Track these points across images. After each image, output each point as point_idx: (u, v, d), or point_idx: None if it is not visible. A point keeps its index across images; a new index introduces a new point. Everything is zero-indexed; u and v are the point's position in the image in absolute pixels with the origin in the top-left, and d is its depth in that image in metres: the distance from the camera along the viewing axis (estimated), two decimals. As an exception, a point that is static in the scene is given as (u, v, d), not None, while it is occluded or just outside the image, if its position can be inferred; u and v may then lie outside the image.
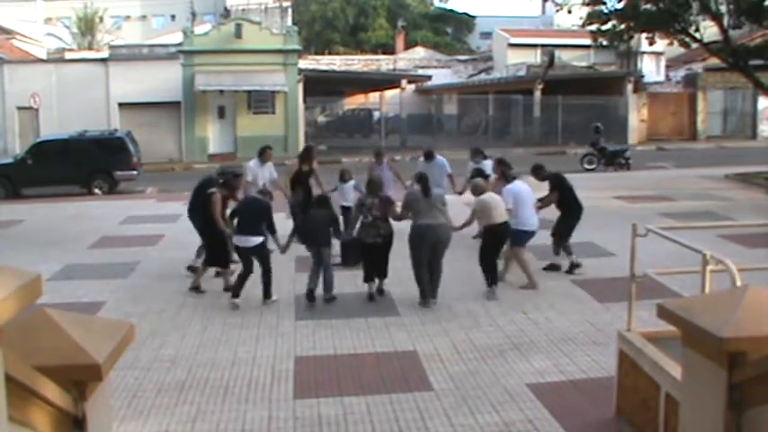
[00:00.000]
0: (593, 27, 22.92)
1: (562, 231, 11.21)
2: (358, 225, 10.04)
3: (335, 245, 10.30)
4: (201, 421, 6.50)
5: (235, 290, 9.80)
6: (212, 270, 10.72)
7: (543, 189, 11.62)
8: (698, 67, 38.49)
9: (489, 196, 10.04)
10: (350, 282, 10.55)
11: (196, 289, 10.41)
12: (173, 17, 58.72)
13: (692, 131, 38.32)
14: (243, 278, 9.81)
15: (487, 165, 13.74)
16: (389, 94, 41.32)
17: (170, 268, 11.75)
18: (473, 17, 70.53)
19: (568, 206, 11.24)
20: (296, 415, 6.56)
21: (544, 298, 9.79)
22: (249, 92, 32.04)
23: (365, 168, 15.56)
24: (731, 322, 3.48)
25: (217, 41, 31.85)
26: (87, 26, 51.77)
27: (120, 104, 31.40)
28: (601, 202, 16.21)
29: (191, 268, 11.21)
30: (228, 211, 10.59)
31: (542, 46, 43.13)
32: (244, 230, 9.72)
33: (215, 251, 10.40)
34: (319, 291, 9.77)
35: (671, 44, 24.35)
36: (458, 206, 12.31)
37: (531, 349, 8.03)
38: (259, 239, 9.71)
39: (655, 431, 5.47)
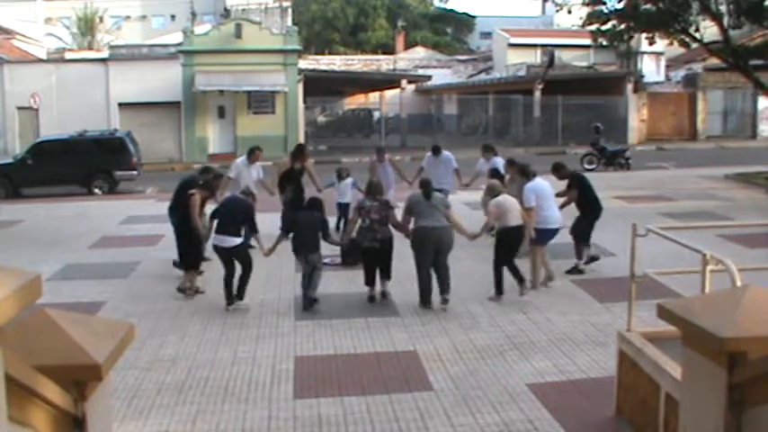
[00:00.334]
0: (593, 27, 22.92)
1: (581, 231, 11.09)
2: (356, 228, 9.91)
3: (330, 247, 10.20)
4: (201, 421, 6.50)
5: (227, 297, 9.63)
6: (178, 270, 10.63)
7: (561, 187, 11.56)
8: (698, 67, 38.49)
9: (504, 198, 9.88)
10: (350, 282, 10.55)
11: (185, 292, 10.24)
12: (173, 17, 58.70)
13: (692, 131, 38.31)
14: (227, 282, 9.63)
15: (498, 162, 13.80)
16: (389, 94, 41.33)
17: (170, 268, 11.72)
18: (473, 17, 70.54)
19: (588, 205, 11.14)
20: (296, 415, 6.56)
21: (544, 298, 9.79)
22: (249, 92, 32.02)
23: (365, 168, 15.60)
24: (731, 322, 3.48)
25: (217, 41, 31.85)
26: (87, 26, 51.75)
27: (120, 104, 31.40)
28: (601, 202, 16.17)
29: (177, 264, 11.06)
30: (209, 211, 10.47)
31: (542, 46, 43.09)
32: (222, 230, 9.55)
33: (190, 253, 10.28)
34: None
35: (671, 44, 24.35)
36: (462, 209, 12.30)
37: (531, 349, 8.03)
38: (236, 240, 9.54)
39: (655, 431, 5.47)
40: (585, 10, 22.90)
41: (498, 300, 9.69)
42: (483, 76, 47.40)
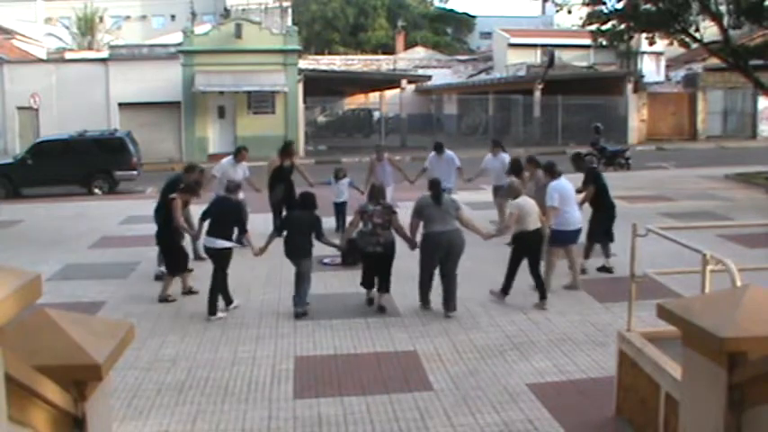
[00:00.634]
0: (593, 27, 22.92)
1: (600, 234, 10.98)
2: (356, 230, 9.72)
3: (326, 248, 9.98)
4: (201, 421, 6.50)
5: (225, 299, 9.55)
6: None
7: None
8: (698, 67, 38.50)
9: (525, 201, 9.58)
10: (350, 282, 10.54)
11: (167, 299, 10.10)
12: (173, 17, 58.70)
13: (692, 131, 38.32)
14: (221, 284, 9.52)
15: (506, 158, 13.85)
16: (389, 94, 41.34)
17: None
18: (473, 17, 70.57)
19: (601, 203, 11.03)
20: (296, 415, 6.57)
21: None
22: (249, 92, 32.03)
23: (365, 168, 15.61)
24: (731, 322, 3.48)
25: (217, 41, 31.84)
26: (87, 26, 51.76)
27: (120, 104, 31.39)
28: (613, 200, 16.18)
29: (158, 277, 10.90)
30: (198, 211, 10.42)
31: (542, 46, 43.11)
32: (213, 232, 9.43)
33: (174, 257, 10.19)
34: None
35: (671, 44, 24.34)
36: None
37: (531, 349, 8.03)
38: (226, 243, 9.40)
39: (655, 431, 5.47)
40: (585, 10, 22.90)
41: (499, 298, 9.61)
42: (483, 76, 47.40)
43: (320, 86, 35.86)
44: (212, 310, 9.33)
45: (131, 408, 6.76)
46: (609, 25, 22.55)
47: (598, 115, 32.06)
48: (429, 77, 43.83)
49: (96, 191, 22.44)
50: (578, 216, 10.27)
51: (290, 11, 42.89)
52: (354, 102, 49.48)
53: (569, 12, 23.73)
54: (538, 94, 36.15)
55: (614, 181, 21.05)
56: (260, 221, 13.39)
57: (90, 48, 47.74)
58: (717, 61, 26.55)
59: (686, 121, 38.60)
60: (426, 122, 42.79)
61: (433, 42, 61.44)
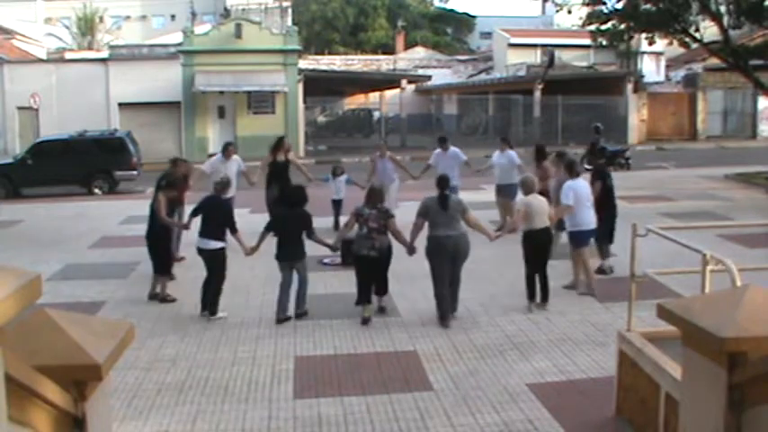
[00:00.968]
0: (593, 27, 22.92)
1: (604, 234, 10.93)
2: (353, 233, 9.59)
3: (322, 247, 9.81)
4: (201, 421, 6.50)
5: (212, 304, 9.41)
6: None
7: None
8: (698, 67, 38.49)
9: (534, 198, 9.48)
10: (350, 282, 10.51)
11: (161, 298, 10.04)
12: (173, 17, 58.72)
13: (692, 131, 38.32)
14: (206, 286, 9.45)
15: (513, 155, 13.89)
16: (389, 94, 41.33)
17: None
18: (473, 17, 70.58)
19: (606, 204, 10.98)
20: (296, 415, 6.57)
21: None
22: (249, 92, 32.04)
23: (365, 168, 15.63)
24: (731, 322, 3.48)
25: (217, 41, 31.85)
26: (87, 26, 51.77)
27: (120, 104, 31.41)
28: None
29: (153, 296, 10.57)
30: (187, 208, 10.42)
31: (542, 46, 43.10)
32: (205, 233, 9.39)
33: (161, 257, 10.14)
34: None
35: (671, 44, 24.35)
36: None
37: (531, 349, 8.03)
38: (218, 244, 9.34)
39: (655, 431, 5.47)
40: (585, 10, 22.89)
41: (530, 308, 9.35)
42: (483, 76, 47.40)
43: (320, 86, 35.86)
44: (213, 310, 9.31)
45: (131, 408, 6.76)
46: (609, 25, 22.54)
47: (598, 115, 32.05)
48: (429, 77, 43.83)
49: (96, 191, 22.44)
50: (591, 217, 10.23)
51: (290, 11, 42.91)
52: (354, 102, 49.48)
53: (569, 12, 23.73)
54: (538, 94, 36.14)
55: (614, 181, 21.11)
56: (259, 221, 13.39)
57: (90, 48, 47.75)
58: (717, 61, 26.55)
59: (686, 121, 38.61)
60: (426, 122, 42.80)
61: (433, 42, 61.45)
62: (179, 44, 33.09)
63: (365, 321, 9.01)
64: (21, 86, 31.01)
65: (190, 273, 10.72)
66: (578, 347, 8.05)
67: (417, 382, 7.23)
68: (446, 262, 8.94)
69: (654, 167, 25.94)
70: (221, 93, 31.89)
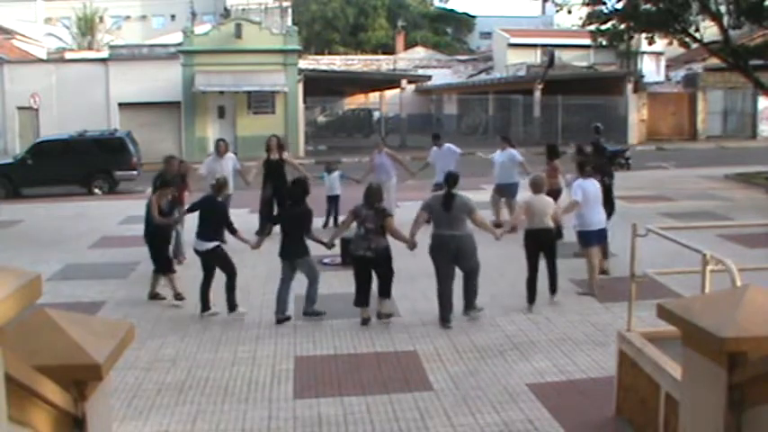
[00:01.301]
0: (593, 27, 22.92)
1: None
2: (350, 232, 9.55)
3: (321, 247, 9.68)
4: (201, 421, 6.50)
5: (202, 302, 9.44)
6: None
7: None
8: (698, 67, 38.49)
9: (538, 199, 9.46)
10: (350, 282, 10.49)
11: (175, 295, 10.03)
12: (173, 17, 58.72)
13: (692, 131, 38.32)
14: (203, 288, 9.45)
15: (515, 153, 13.88)
16: (389, 94, 41.34)
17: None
18: (473, 17, 70.56)
19: (604, 204, 10.89)
20: (296, 415, 6.56)
21: (544, 298, 9.77)
22: (249, 92, 32.03)
23: (365, 168, 15.63)
24: (731, 322, 3.48)
25: (217, 41, 31.85)
26: (87, 26, 51.76)
27: (120, 104, 31.40)
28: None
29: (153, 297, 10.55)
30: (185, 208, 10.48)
31: (542, 46, 43.11)
32: (201, 234, 9.40)
33: (159, 257, 10.14)
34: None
35: (671, 44, 24.35)
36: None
37: (531, 349, 8.03)
38: (213, 244, 9.34)
39: (655, 431, 5.46)
40: (585, 10, 22.90)
41: (530, 309, 9.36)
42: (483, 76, 47.40)
43: (320, 86, 35.87)
44: (231, 306, 9.34)
45: (131, 408, 6.76)
46: (609, 25, 22.56)
47: (598, 115, 31.99)
48: (429, 77, 43.83)
49: (96, 191, 22.44)
50: (598, 218, 10.23)
51: (290, 11, 42.91)
52: (354, 102, 49.47)
53: (569, 12, 23.74)
54: (538, 94, 36.15)
55: (614, 181, 21.13)
56: (258, 221, 13.41)
57: (90, 48, 47.75)
58: (717, 61, 26.55)
59: (686, 121, 38.61)
60: (426, 122, 42.77)
61: (433, 42, 61.43)
62: (179, 44, 33.09)
63: (365, 322, 8.99)
64: (21, 86, 31.00)
65: (190, 273, 10.71)
66: (578, 347, 8.05)
67: (417, 382, 7.22)
68: (449, 261, 8.91)
69: (654, 167, 25.94)
70: (221, 93, 31.89)
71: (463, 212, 8.90)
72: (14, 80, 31.69)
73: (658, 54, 40.83)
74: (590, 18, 22.80)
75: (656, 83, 40.51)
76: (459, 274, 9.05)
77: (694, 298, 4.39)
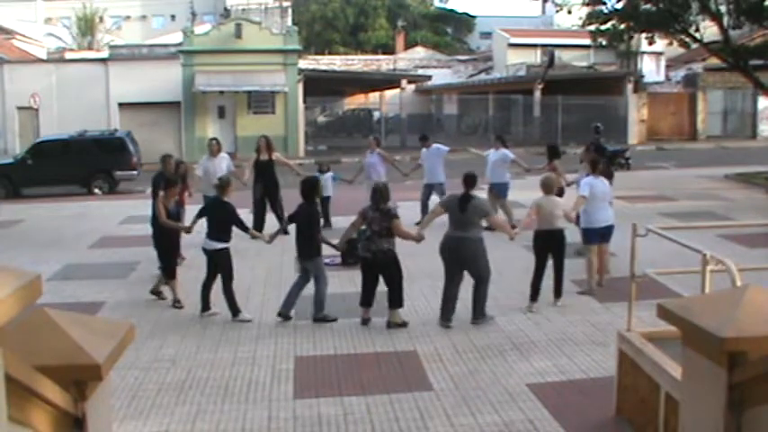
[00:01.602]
0: (593, 27, 22.93)
1: None
2: (354, 233, 9.53)
3: (326, 247, 9.60)
4: (201, 421, 6.50)
5: (202, 302, 9.42)
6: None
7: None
8: (698, 67, 38.49)
9: (546, 201, 9.46)
10: (350, 282, 10.53)
11: (174, 301, 9.94)
12: (173, 17, 58.72)
13: (692, 131, 38.32)
14: (205, 287, 9.43)
15: (508, 153, 13.96)
16: (389, 94, 41.32)
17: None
18: (473, 17, 70.51)
19: None
20: (296, 415, 6.56)
21: (544, 298, 9.77)
22: (249, 92, 32.03)
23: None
24: (731, 322, 3.48)
25: (217, 41, 31.84)
26: (87, 26, 51.78)
27: (120, 104, 31.39)
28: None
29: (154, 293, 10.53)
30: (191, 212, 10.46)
31: (542, 46, 43.10)
32: (210, 234, 9.40)
33: (165, 258, 10.09)
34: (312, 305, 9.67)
35: (671, 44, 24.36)
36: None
37: (531, 349, 8.03)
38: (219, 245, 9.31)
39: (655, 431, 5.47)
40: (585, 10, 22.91)
41: (531, 307, 9.35)
42: (483, 76, 47.38)
43: (320, 86, 35.85)
44: (234, 311, 9.24)
45: (131, 408, 6.76)
46: (609, 25, 22.56)
47: (598, 115, 31.97)
48: (429, 77, 43.81)
49: (96, 191, 22.44)
50: (607, 214, 10.23)
51: (290, 11, 42.92)
52: (354, 102, 49.44)
53: (569, 12, 23.75)
54: (538, 94, 36.14)
55: (614, 181, 21.11)
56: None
57: (90, 48, 47.77)
58: (717, 61, 26.56)
59: (686, 121, 38.60)
60: (426, 122, 42.70)
61: (432, 42, 61.38)
62: (179, 44, 33.09)
63: (365, 321, 8.98)
64: (21, 86, 30.99)
65: (190, 273, 10.72)
66: (578, 347, 8.05)
67: (417, 382, 7.22)
68: (454, 262, 8.90)
69: (654, 167, 25.93)
70: (221, 93, 31.89)
71: (477, 215, 8.87)
72: (14, 80, 31.68)
73: (658, 54, 40.81)
74: (590, 18, 22.81)
75: (656, 83, 40.49)
76: (470, 281, 8.97)
77: (694, 298, 4.39)
